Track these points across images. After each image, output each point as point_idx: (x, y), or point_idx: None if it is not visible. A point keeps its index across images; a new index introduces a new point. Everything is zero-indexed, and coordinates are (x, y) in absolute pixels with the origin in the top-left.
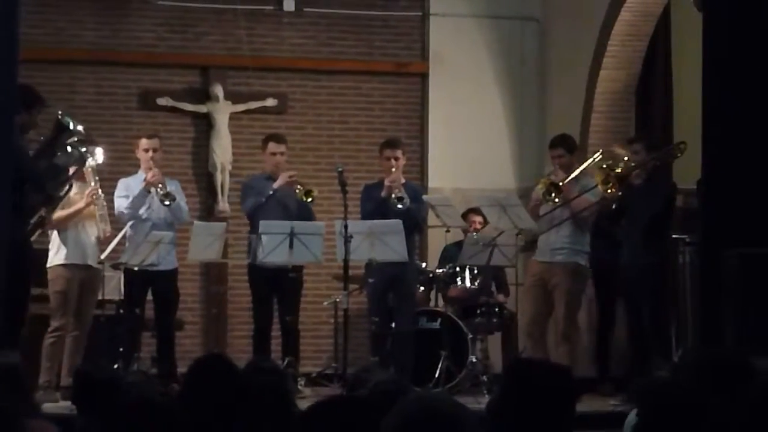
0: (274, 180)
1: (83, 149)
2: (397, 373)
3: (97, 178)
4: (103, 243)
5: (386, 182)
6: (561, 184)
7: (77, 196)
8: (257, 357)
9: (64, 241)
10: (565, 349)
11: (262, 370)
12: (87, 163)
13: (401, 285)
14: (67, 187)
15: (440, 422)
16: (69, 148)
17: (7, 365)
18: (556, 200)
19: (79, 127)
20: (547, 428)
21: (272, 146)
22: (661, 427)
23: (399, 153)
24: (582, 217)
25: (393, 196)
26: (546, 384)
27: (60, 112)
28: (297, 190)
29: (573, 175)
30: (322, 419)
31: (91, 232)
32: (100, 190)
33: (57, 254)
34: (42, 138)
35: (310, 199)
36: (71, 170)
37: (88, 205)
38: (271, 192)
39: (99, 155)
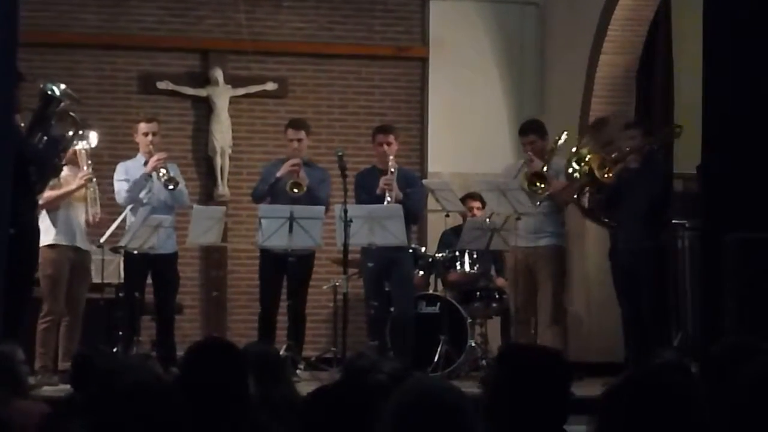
0: None
1: (76, 115)
2: (396, 358)
3: (89, 162)
4: (91, 227)
5: (381, 183)
6: (544, 171)
7: (69, 177)
8: (257, 341)
9: (53, 221)
10: (554, 332)
11: (260, 353)
12: (80, 145)
13: (398, 269)
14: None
15: (438, 408)
16: (62, 116)
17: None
18: (542, 187)
19: (62, 86)
20: (543, 413)
21: (289, 132)
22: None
23: (391, 138)
24: (564, 200)
25: (388, 200)
26: (540, 369)
27: (42, 84)
28: (289, 182)
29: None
30: (324, 405)
31: (81, 214)
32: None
33: (46, 235)
34: (32, 113)
35: (295, 190)
36: (70, 134)
37: (80, 187)
38: (273, 180)
39: (93, 139)
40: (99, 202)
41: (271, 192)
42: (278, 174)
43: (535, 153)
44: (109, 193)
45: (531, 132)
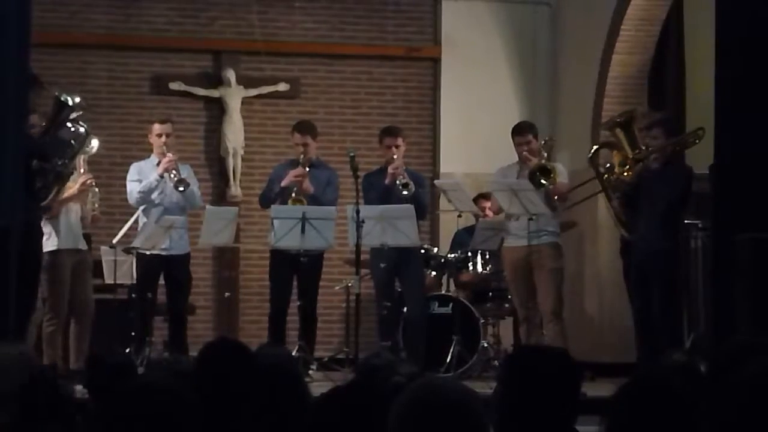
0: (298, 164)
1: (85, 125)
2: (409, 358)
3: (86, 167)
4: (86, 227)
5: (390, 169)
6: (549, 164)
7: (70, 182)
8: (269, 343)
9: (55, 227)
10: (556, 328)
11: (272, 355)
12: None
13: (409, 270)
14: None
15: (447, 408)
16: (71, 124)
17: (18, 353)
18: (548, 181)
19: (77, 99)
20: (554, 413)
21: (296, 137)
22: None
23: (399, 140)
24: (561, 199)
25: (398, 182)
26: (550, 369)
27: (57, 92)
28: (293, 194)
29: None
30: (338, 405)
31: (77, 215)
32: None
33: (49, 240)
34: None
35: (297, 204)
36: (76, 143)
37: (81, 192)
38: (278, 190)
39: (94, 146)
40: (98, 203)
41: (278, 198)
42: (283, 184)
43: (530, 153)
44: (122, 194)
45: (529, 132)
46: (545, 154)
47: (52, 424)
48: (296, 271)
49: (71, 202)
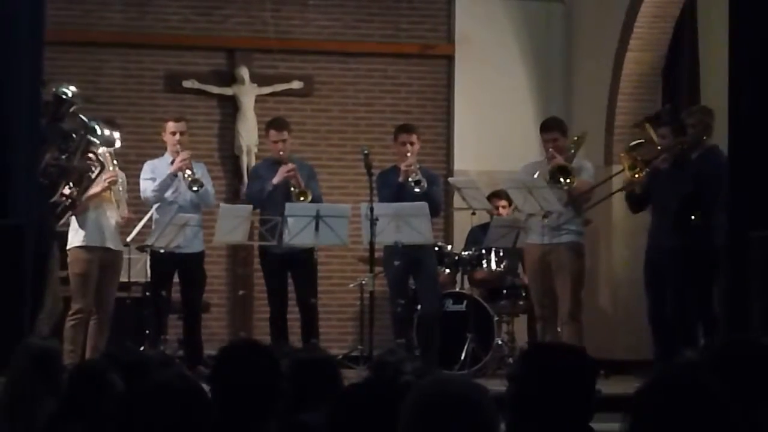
0: (280, 163)
1: (85, 118)
2: (423, 356)
3: (115, 162)
4: (122, 226)
5: (402, 167)
6: (568, 165)
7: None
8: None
9: (82, 223)
10: (573, 329)
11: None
12: (103, 149)
13: (423, 267)
14: (98, 168)
15: (457, 405)
16: (71, 117)
17: (43, 348)
18: (567, 182)
19: (72, 88)
20: (569, 411)
21: (272, 134)
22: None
23: (414, 138)
24: (585, 198)
25: (410, 180)
26: (565, 367)
27: (54, 87)
28: (292, 189)
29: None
30: (352, 402)
31: (111, 215)
32: (120, 176)
33: (76, 236)
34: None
35: (302, 198)
36: (77, 136)
37: (104, 189)
38: (271, 188)
39: (116, 140)
40: (125, 202)
41: (270, 197)
42: (274, 181)
43: (557, 150)
44: (137, 192)
45: (555, 129)
46: (573, 152)
47: (96, 415)
48: (289, 268)
49: (99, 199)
